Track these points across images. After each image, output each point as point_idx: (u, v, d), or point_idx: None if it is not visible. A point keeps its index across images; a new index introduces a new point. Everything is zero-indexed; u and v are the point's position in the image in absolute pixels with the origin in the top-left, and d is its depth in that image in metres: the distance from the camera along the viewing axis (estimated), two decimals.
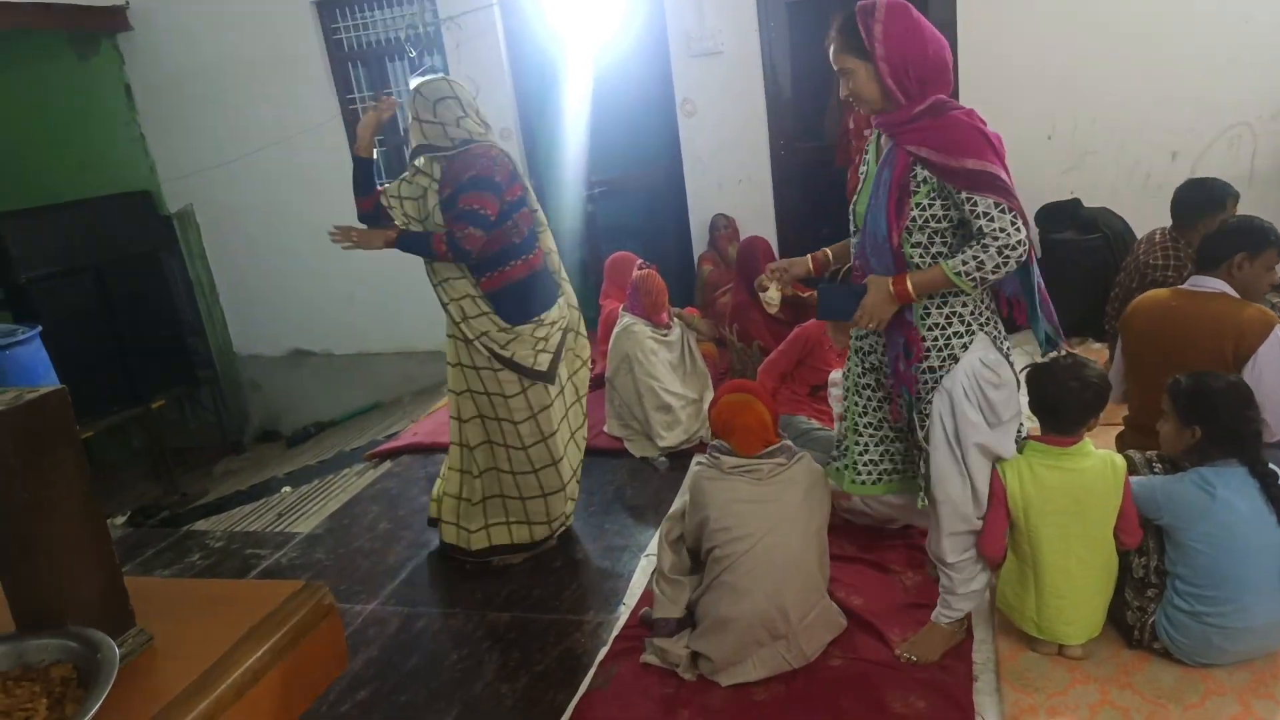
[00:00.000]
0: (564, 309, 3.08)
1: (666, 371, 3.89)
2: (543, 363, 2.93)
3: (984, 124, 2.05)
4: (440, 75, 3.06)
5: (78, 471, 1.29)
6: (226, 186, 6.04)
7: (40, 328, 3.43)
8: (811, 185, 5.31)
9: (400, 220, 2.90)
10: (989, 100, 4.54)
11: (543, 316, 2.95)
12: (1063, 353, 2.23)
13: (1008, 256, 1.96)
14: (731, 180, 5.30)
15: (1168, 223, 3.47)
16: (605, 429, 4.07)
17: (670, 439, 3.81)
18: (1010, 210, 1.96)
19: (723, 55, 5.07)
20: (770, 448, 2.32)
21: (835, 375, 3.02)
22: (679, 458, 3.74)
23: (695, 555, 2.38)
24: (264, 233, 6.09)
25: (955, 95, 4.59)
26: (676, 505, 2.48)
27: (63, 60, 6.05)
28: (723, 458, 2.30)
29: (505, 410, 2.92)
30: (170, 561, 3.48)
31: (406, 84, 5.71)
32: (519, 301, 2.90)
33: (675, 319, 4.00)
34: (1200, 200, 3.32)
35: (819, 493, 2.34)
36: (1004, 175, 1.99)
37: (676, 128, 5.31)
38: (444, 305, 2.91)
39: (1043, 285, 2.19)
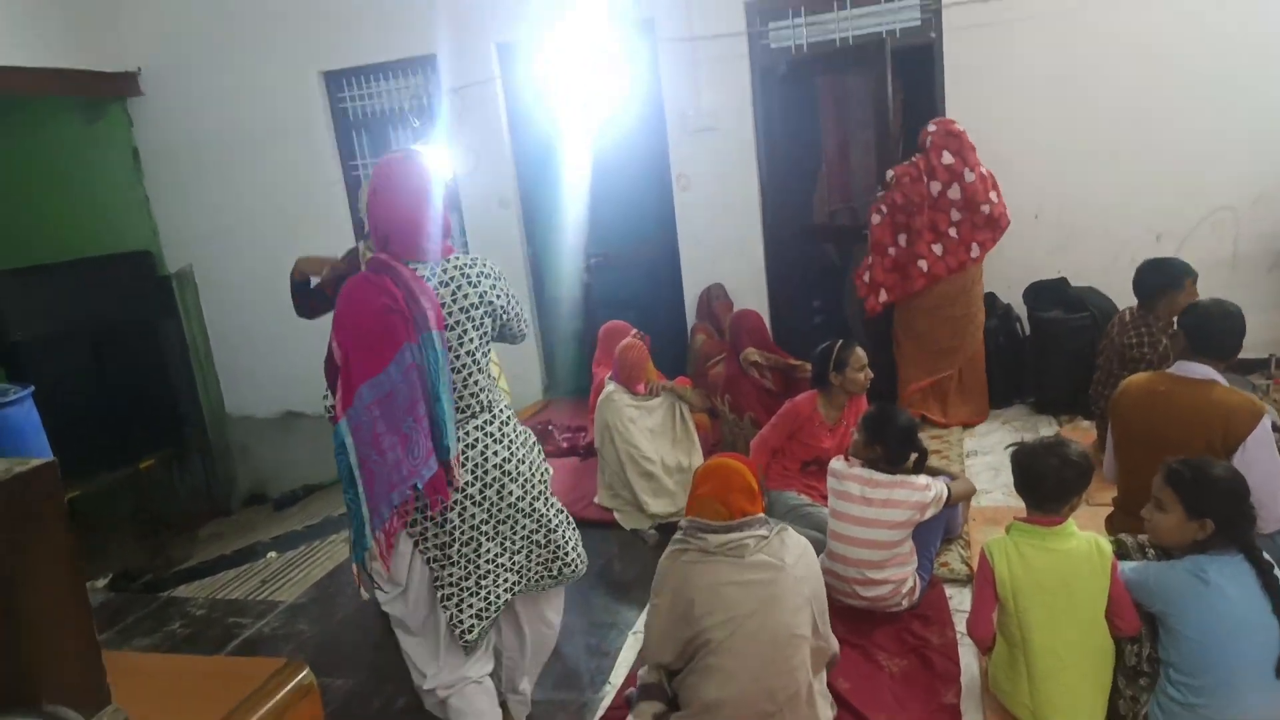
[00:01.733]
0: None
1: (646, 439, 3.88)
2: None
3: None
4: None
5: (63, 547, 1.28)
6: (226, 247, 6.11)
7: (32, 388, 3.43)
8: (803, 259, 5.41)
9: None
10: None
11: None
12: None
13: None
14: (725, 253, 5.38)
15: None
16: (596, 500, 4.05)
17: (657, 506, 3.79)
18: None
19: (718, 132, 5.20)
20: (747, 517, 2.25)
21: (836, 465, 2.96)
22: (668, 529, 3.71)
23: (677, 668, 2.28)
24: (261, 294, 6.12)
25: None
26: (647, 633, 2.32)
27: (71, 122, 6.18)
28: (706, 536, 2.23)
29: None
30: (151, 629, 3.41)
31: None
32: None
33: (664, 390, 4.00)
34: (1159, 280, 3.49)
35: (806, 564, 2.26)
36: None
37: (672, 201, 5.42)
38: None
39: None
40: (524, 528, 2.29)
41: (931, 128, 4.41)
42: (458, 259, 2.17)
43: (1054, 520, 2.17)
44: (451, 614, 2.19)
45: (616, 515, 3.91)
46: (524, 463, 2.28)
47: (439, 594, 2.21)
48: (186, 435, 6.52)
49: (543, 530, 2.32)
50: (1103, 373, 3.68)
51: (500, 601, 2.25)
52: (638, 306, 5.89)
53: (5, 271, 5.44)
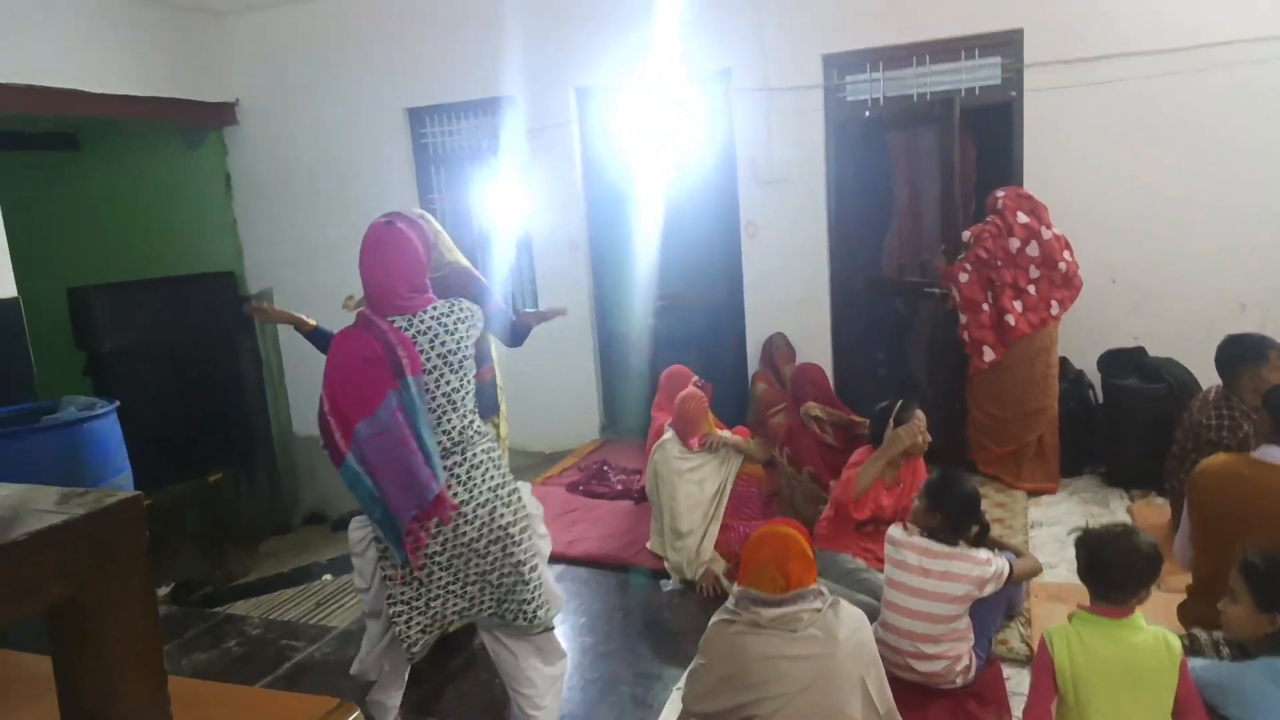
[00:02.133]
0: (498, 420, 3.36)
1: (685, 498, 3.84)
2: None
3: None
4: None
5: (142, 580, 1.33)
6: (306, 273, 6.32)
7: (117, 403, 3.58)
8: (869, 312, 5.35)
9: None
10: None
11: (493, 418, 3.26)
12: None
13: None
14: (791, 302, 5.37)
15: None
16: (648, 545, 4.03)
17: (676, 560, 3.76)
18: None
19: (788, 182, 5.22)
20: (801, 589, 2.21)
21: (894, 532, 2.89)
22: (647, 594, 3.70)
23: None
24: (334, 320, 6.28)
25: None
26: (690, 686, 2.32)
27: (173, 148, 6.51)
28: (760, 610, 2.18)
29: None
30: (208, 645, 3.50)
31: (481, 188, 5.99)
32: (485, 399, 3.12)
33: (723, 445, 3.95)
34: (1239, 354, 3.29)
35: (858, 641, 2.21)
36: None
37: (739, 248, 5.44)
38: None
39: None
40: (476, 566, 2.46)
41: (1001, 193, 4.44)
42: (435, 308, 2.39)
43: (1121, 611, 2.08)
44: (400, 628, 2.42)
45: (667, 564, 3.88)
46: (484, 507, 2.43)
47: (390, 609, 2.44)
48: (254, 452, 6.72)
49: (495, 572, 2.47)
50: (1179, 449, 3.54)
51: (446, 622, 2.48)
52: (700, 351, 5.90)
53: (101, 286, 5.72)
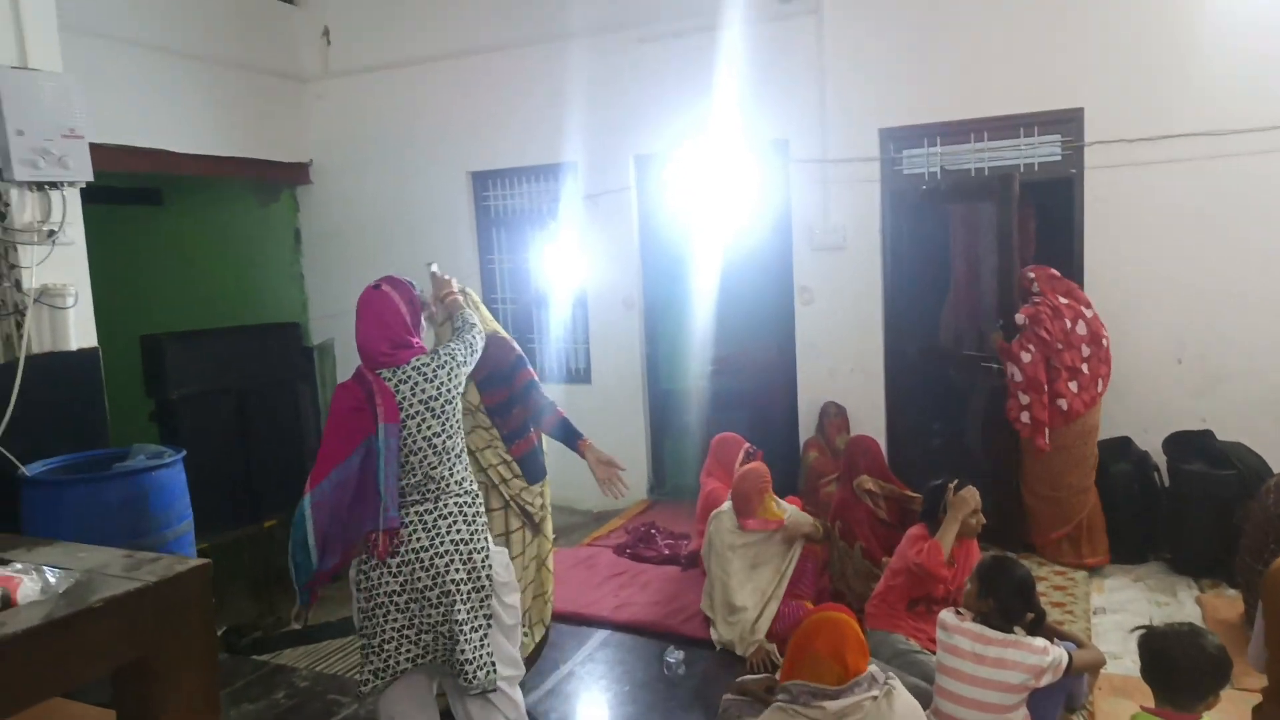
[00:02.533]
0: (543, 486, 3.44)
1: (736, 574, 3.77)
2: (538, 513, 3.38)
3: None
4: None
5: (206, 642, 1.38)
6: None
7: (184, 452, 3.69)
8: (924, 382, 5.29)
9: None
10: (1113, 314, 4.54)
11: (543, 482, 3.40)
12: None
13: None
14: (844, 369, 5.34)
15: None
16: (702, 606, 3.98)
17: (728, 634, 3.70)
18: None
19: (844, 250, 5.24)
20: (859, 677, 2.17)
21: (946, 617, 2.81)
22: (695, 664, 3.64)
23: None
24: None
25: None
26: None
27: (247, 204, 6.81)
28: (824, 705, 2.11)
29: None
30: (258, 695, 3.54)
31: (539, 249, 6.12)
32: (533, 465, 3.33)
33: (799, 537, 3.90)
34: None
35: None
36: None
37: (793, 314, 5.45)
38: (484, 469, 3.21)
39: None
40: (430, 616, 2.55)
41: (1031, 274, 4.52)
42: (418, 359, 2.59)
43: (1187, 718, 1.99)
44: (361, 667, 2.58)
45: (713, 632, 3.82)
46: (441, 559, 2.54)
47: (360, 646, 2.60)
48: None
49: (447, 624, 2.55)
50: (1251, 541, 3.40)
51: (398, 668, 2.56)
52: (751, 414, 5.90)
53: (172, 335, 5.93)
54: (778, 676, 2.32)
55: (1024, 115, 4.75)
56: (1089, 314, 4.38)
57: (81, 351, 3.73)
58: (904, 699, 2.19)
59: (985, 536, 3.56)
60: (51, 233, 3.51)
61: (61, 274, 3.60)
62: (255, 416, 6.35)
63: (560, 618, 4.15)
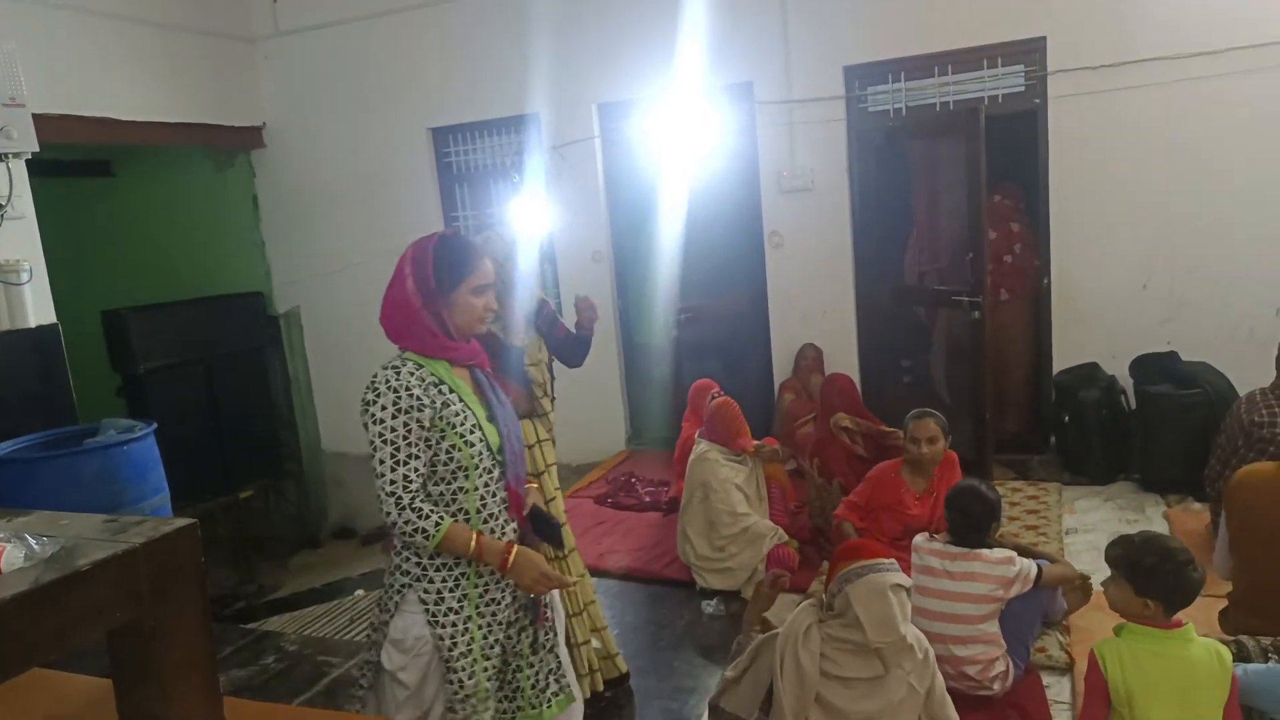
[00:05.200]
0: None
1: (740, 502, 3.86)
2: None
3: None
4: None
5: (199, 603, 1.36)
6: (332, 291, 6.40)
7: (155, 425, 3.64)
8: (894, 321, 5.34)
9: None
10: (1081, 244, 4.58)
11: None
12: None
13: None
14: (816, 312, 5.36)
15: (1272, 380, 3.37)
16: (680, 555, 4.04)
17: (717, 583, 3.77)
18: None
19: (812, 192, 5.22)
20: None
21: (917, 540, 2.95)
22: (730, 600, 3.68)
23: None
24: (361, 336, 6.35)
25: (1047, 240, 4.71)
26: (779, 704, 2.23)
27: (202, 171, 6.62)
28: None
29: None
30: (247, 661, 3.54)
31: (505, 204, 6.04)
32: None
33: (755, 456, 3.98)
34: None
35: (928, 664, 2.27)
36: None
37: (763, 259, 5.45)
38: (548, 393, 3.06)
39: None
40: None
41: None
42: None
43: (1174, 623, 2.05)
44: None
45: (697, 577, 3.88)
46: None
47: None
48: (284, 467, 6.79)
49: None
50: (1223, 453, 3.48)
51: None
52: (725, 360, 5.92)
53: (135, 308, 5.81)
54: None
55: (987, 46, 4.73)
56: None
57: (41, 328, 3.65)
58: (913, 630, 2.29)
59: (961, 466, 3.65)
60: (0, 207, 3.40)
61: (13, 249, 3.51)
62: (224, 387, 6.27)
63: None
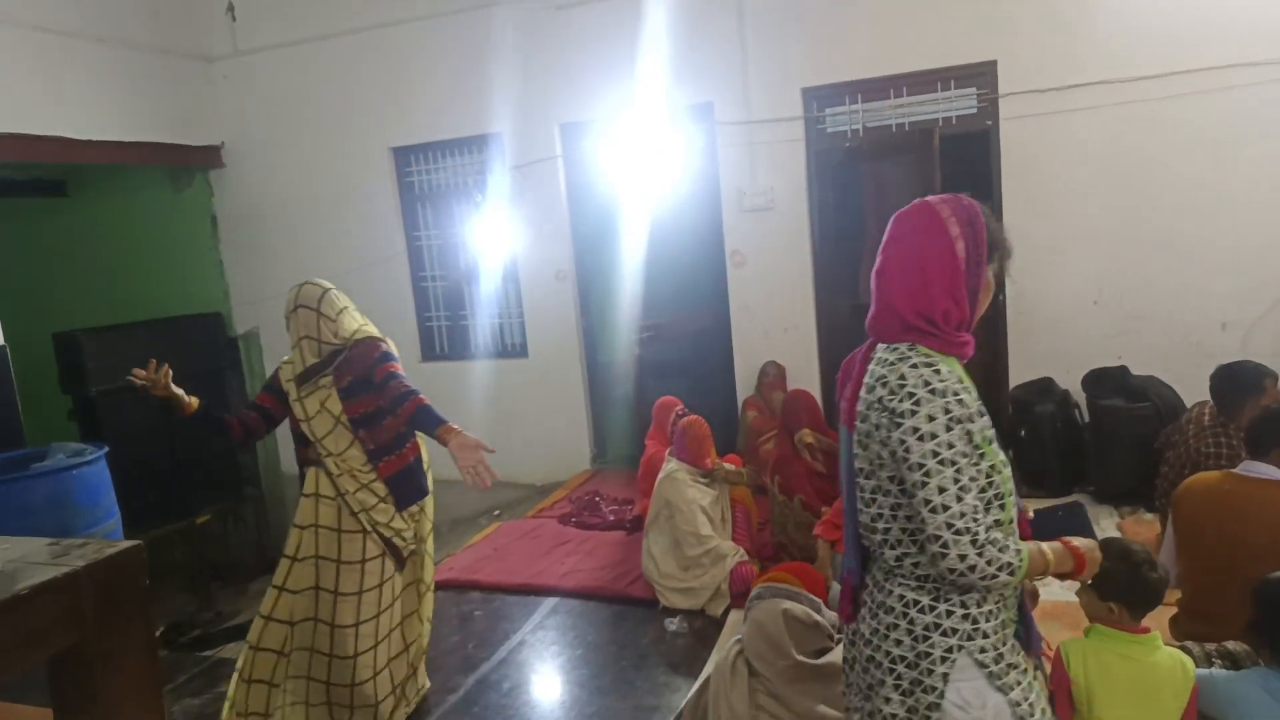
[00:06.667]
0: (430, 503, 3.13)
1: (704, 524, 3.86)
2: (406, 544, 2.98)
3: None
4: (309, 280, 3.16)
5: (144, 626, 1.34)
6: None
7: (106, 449, 3.57)
8: (855, 336, 5.39)
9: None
10: (1034, 261, 4.69)
11: (422, 503, 3.06)
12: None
13: None
14: (777, 329, 5.42)
15: None
16: (644, 573, 4.03)
17: (680, 602, 3.77)
18: None
19: (773, 211, 5.29)
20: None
21: None
22: (693, 619, 3.69)
23: None
24: None
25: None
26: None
27: (159, 191, 6.53)
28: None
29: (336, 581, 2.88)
30: (200, 689, 3.47)
31: (467, 224, 6.03)
32: (406, 486, 2.97)
33: (721, 478, 3.99)
34: (1237, 386, 3.31)
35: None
36: None
37: (725, 277, 5.50)
38: (333, 477, 2.91)
39: None
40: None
41: None
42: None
43: (1142, 629, 2.08)
44: None
45: (660, 595, 3.87)
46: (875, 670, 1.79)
47: None
48: (243, 491, 6.67)
49: None
50: (1171, 470, 3.56)
51: None
52: (688, 378, 5.95)
53: (88, 330, 5.69)
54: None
55: (940, 70, 4.85)
56: None
57: None
58: None
59: None
60: None
61: None
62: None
63: (508, 590, 4.17)
